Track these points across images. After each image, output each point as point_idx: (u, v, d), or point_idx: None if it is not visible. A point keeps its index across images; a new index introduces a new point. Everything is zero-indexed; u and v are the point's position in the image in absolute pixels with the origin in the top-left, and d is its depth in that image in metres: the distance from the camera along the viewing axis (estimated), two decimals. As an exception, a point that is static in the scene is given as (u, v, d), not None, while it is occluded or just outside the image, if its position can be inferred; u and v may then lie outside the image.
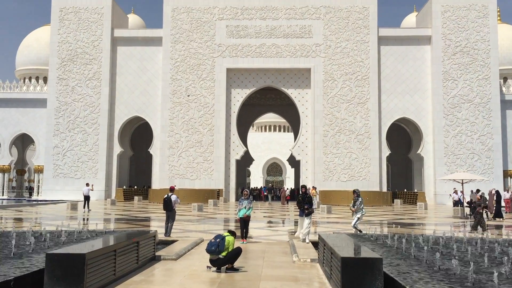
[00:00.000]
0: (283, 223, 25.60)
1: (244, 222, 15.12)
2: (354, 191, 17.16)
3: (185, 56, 48.01)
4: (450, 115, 46.65)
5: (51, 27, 49.86)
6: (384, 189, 47.02)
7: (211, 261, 10.00)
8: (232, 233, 10.51)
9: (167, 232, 16.57)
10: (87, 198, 31.38)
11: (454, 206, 29.43)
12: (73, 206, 29.89)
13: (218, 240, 9.96)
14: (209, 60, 47.89)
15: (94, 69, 48.64)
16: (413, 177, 52.59)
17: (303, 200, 15.10)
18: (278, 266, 10.72)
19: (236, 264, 10.21)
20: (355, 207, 16.71)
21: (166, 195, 17.12)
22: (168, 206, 16.79)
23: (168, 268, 10.29)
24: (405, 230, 19.48)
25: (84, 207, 31.07)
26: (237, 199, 49.27)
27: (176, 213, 17.59)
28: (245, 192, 15.67)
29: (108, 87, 48.39)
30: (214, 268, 10.02)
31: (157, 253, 11.49)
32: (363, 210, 17.10)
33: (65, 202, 34.96)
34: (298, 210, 15.29)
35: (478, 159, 46.20)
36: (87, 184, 33.07)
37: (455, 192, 30.36)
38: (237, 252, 10.09)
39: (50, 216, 26.73)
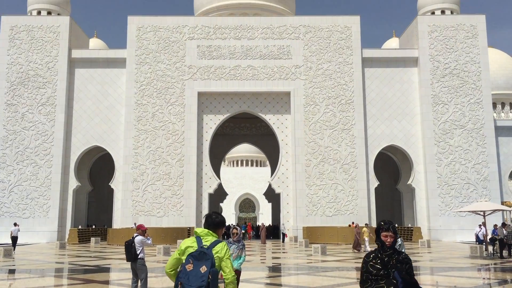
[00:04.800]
0: (278, 271, 20.49)
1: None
2: (389, 227, 11.84)
3: (152, 78, 43.18)
4: (442, 142, 42.90)
5: (0, 47, 44.34)
6: (374, 224, 42.38)
7: None
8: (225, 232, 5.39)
9: None
10: (14, 240, 27.47)
11: (479, 243, 24.87)
12: (7, 252, 24.02)
13: (205, 270, 4.94)
14: (178, 83, 43.16)
15: (48, 93, 43.15)
16: (403, 211, 48.26)
17: (389, 265, 5.12)
18: None
19: None
20: None
21: (132, 237, 11.56)
22: (131, 255, 11.25)
23: None
24: (458, 281, 14.72)
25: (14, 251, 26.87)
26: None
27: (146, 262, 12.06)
28: (235, 231, 10.01)
29: (64, 114, 42.87)
30: None
31: None
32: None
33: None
34: None
35: (474, 190, 42.34)
36: (15, 224, 28.19)
37: (481, 226, 25.79)
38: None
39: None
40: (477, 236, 25.29)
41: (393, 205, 52.16)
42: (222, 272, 5.10)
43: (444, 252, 27.45)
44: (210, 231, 5.27)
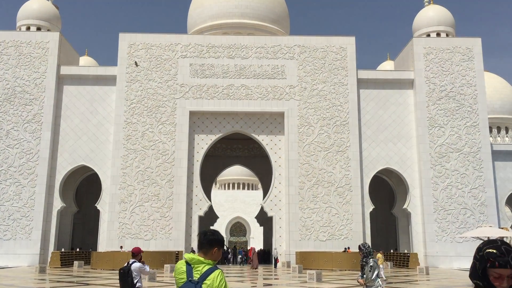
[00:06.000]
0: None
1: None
2: (360, 247, 10.74)
3: (142, 97, 42.09)
4: (438, 166, 41.96)
5: (-14, 62, 43.16)
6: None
7: None
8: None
9: None
10: None
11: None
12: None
13: None
14: (169, 102, 42.09)
15: (34, 110, 41.85)
16: (398, 236, 46.97)
17: None
18: None
19: None
20: (365, 277, 10.11)
21: (126, 263, 10.09)
22: (128, 285, 9.72)
23: None
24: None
25: None
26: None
27: None
28: None
29: (50, 132, 41.50)
30: None
31: None
32: (378, 280, 10.30)
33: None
34: None
35: (471, 215, 41.24)
36: None
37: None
38: None
39: None
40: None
41: (388, 230, 50.89)
42: None
43: (444, 280, 26.21)
44: (201, 258, 4.19)
